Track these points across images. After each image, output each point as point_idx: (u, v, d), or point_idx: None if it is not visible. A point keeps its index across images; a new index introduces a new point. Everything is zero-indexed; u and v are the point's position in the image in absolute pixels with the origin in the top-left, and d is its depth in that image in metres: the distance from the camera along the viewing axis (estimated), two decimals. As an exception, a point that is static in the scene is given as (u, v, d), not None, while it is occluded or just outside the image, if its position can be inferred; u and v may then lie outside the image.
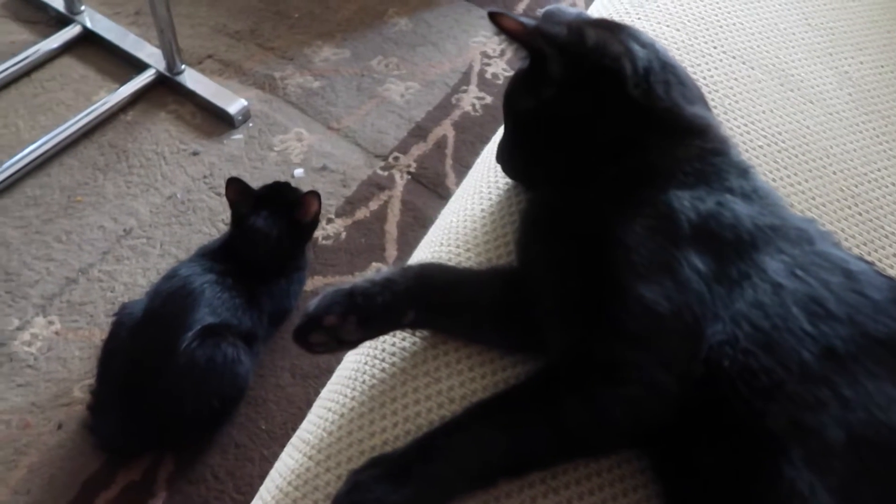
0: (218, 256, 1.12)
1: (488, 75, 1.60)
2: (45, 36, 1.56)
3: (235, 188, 1.15)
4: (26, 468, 1.06)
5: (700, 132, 0.56)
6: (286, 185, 1.22)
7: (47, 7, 1.61)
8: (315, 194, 1.16)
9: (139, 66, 1.52)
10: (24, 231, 1.30)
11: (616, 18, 0.81)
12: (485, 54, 1.64)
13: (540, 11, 0.63)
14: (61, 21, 1.59)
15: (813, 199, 0.69)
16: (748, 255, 0.50)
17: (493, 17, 0.57)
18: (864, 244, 0.68)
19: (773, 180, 0.69)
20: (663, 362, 0.47)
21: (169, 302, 1.04)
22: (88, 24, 1.58)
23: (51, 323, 1.20)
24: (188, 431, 1.06)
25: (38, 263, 1.26)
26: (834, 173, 0.72)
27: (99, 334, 1.18)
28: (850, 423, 0.45)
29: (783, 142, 0.73)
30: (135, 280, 1.25)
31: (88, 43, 1.58)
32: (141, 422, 1.00)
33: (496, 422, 0.49)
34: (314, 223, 1.20)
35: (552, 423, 0.48)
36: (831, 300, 0.48)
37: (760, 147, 0.72)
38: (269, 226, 1.12)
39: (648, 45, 0.58)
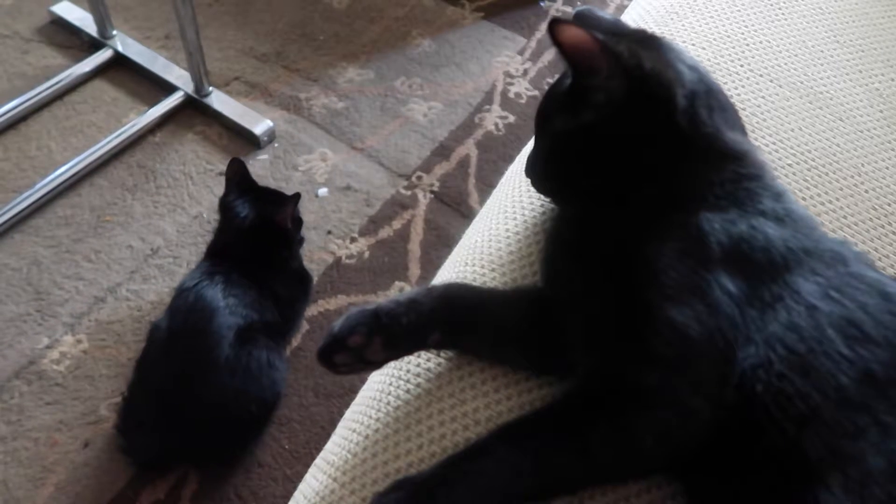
0: (217, 258, 1.15)
1: (511, 95, 1.60)
2: (78, 60, 1.60)
3: (235, 168, 1.18)
4: (53, 486, 1.07)
5: (737, 158, 0.55)
6: (275, 190, 1.25)
7: (80, 32, 1.66)
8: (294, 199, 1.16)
9: (168, 88, 1.56)
10: (55, 250, 1.33)
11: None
12: (507, 74, 1.65)
13: (572, 11, 0.58)
14: (94, 45, 1.64)
15: (844, 217, 0.68)
16: (781, 278, 0.49)
17: (555, 27, 0.50)
18: (899, 264, 0.66)
19: (804, 199, 0.68)
20: (694, 386, 0.46)
21: (189, 315, 1.05)
22: (120, 48, 1.62)
23: (79, 341, 1.21)
24: (224, 443, 1.06)
25: (68, 282, 1.28)
26: (865, 192, 0.70)
27: (126, 353, 1.19)
28: (890, 449, 0.43)
29: (813, 160, 0.71)
30: (161, 299, 1.26)
31: (119, 66, 1.62)
32: (178, 434, 1.01)
33: (522, 446, 0.48)
34: (296, 221, 1.21)
35: (580, 448, 0.47)
36: (868, 322, 0.47)
37: (790, 165, 0.71)
38: (246, 209, 1.15)
39: (694, 69, 0.57)
